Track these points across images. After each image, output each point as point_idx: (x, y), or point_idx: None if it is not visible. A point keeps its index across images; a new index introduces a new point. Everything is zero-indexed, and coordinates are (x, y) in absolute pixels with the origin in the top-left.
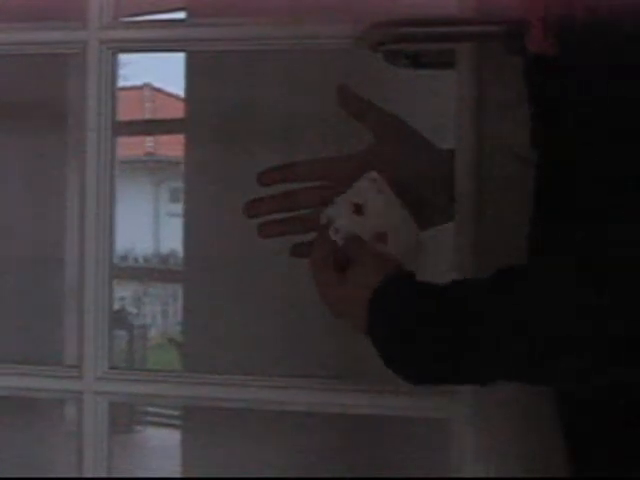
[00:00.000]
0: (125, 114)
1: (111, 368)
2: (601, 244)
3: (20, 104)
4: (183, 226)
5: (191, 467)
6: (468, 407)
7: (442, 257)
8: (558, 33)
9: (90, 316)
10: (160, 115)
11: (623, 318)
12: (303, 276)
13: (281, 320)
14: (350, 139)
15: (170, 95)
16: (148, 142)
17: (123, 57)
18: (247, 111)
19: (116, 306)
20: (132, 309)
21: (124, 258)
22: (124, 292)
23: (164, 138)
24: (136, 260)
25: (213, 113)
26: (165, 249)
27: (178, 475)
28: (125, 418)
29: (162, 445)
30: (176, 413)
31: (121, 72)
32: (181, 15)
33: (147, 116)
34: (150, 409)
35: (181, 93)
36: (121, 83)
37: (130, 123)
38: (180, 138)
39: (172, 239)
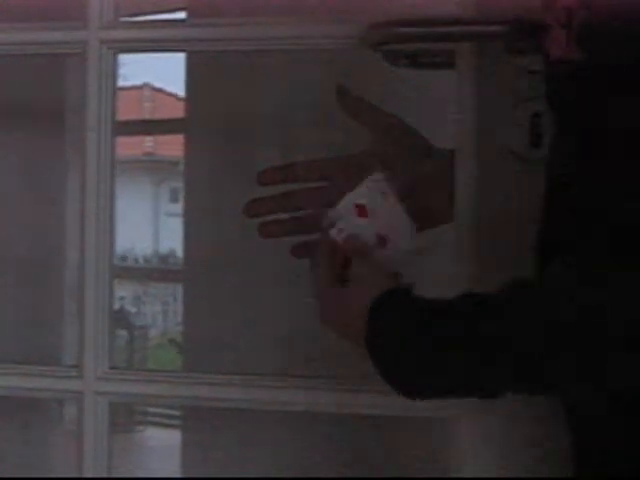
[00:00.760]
0: (124, 114)
1: (111, 368)
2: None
3: (18, 104)
4: (183, 226)
5: (191, 467)
6: (468, 407)
7: (442, 257)
8: (579, 37)
9: (90, 316)
10: (159, 115)
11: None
12: (303, 276)
13: (281, 320)
14: (350, 139)
15: (170, 95)
16: (147, 142)
17: (122, 57)
18: (247, 111)
19: (115, 306)
20: (132, 309)
21: (124, 258)
22: (124, 292)
23: (163, 138)
24: (136, 260)
25: (213, 113)
26: (164, 249)
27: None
28: (124, 418)
29: (161, 445)
30: (176, 413)
31: (120, 72)
32: (182, 15)
33: (146, 116)
34: (149, 409)
35: (181, 93)
36: (120, 83)
37: (129, 123)
38: (180, 138)
39: (171, 239)
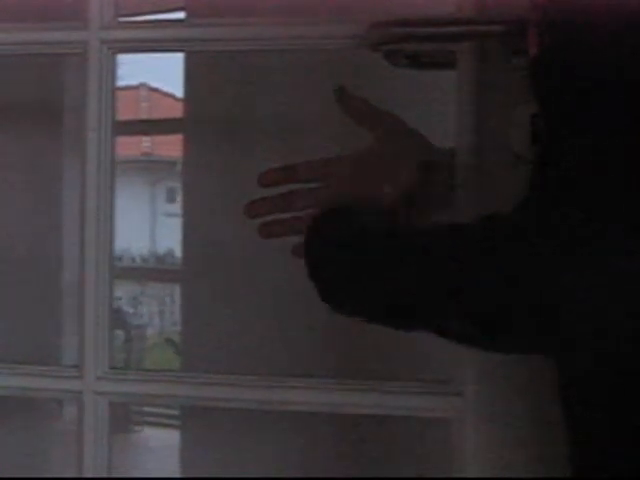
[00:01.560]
0: (121, 114)
1: (111, 368)
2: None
3: (16, 103)
4: (182, 226)
5: (190, 467)
6: (468, 407)
7: None
8: (547, 35)
9: (90, 316)
10: (156, 115)
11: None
12: (302, 276)
13: (280, 320)
14: (350, 140)
15: (166, 95)
16: (145, 142)
17: (119, 57)
18: (246, 111)
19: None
20: (129, 309)
21: (120, 258)
22: (121, 292)
23: (161, 138)
24: (133, 260)
25: (211, 113)
26: (162, 249)
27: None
28: (122, 418)
29: (161, 445)
30: (174, 413)
31: (117, 72)
32: (181, 15)
33: (143, 116)
34: (147, 409)
35: (177, 93)
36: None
37: (127, 123)
38: (177, 138)
39: (169, 239)
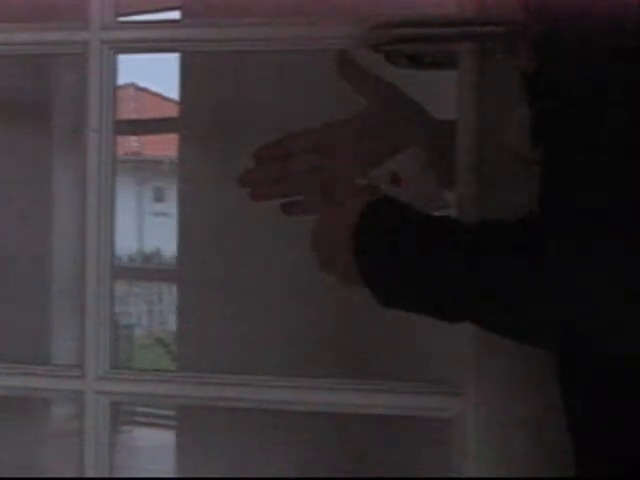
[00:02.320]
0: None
1: (112, 368)
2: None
3: (13, 103)
4: (177, 225)
5: (191, 467)
6: (468, 407)
7: None
8: (536, 49)
9: (91, 315)
10: (144, 115)
11: None
12: (299, 275)
13: (276, 319)
14: None
15: (155, 95)
16: (133, 142)
17: None
18: (239, 110)
19: None
20: (119, 308)
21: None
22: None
23: (148, 137)
24: (132, 260)
25: (202, 112)
26: (150, 248)
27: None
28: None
29: (161, 445)
30: (176, 413)
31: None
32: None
33: (132, 116)
34: (141, 409)
35: (165, 92)
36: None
37: (121, 122)
38: (165, 137)
39: (158, 238)
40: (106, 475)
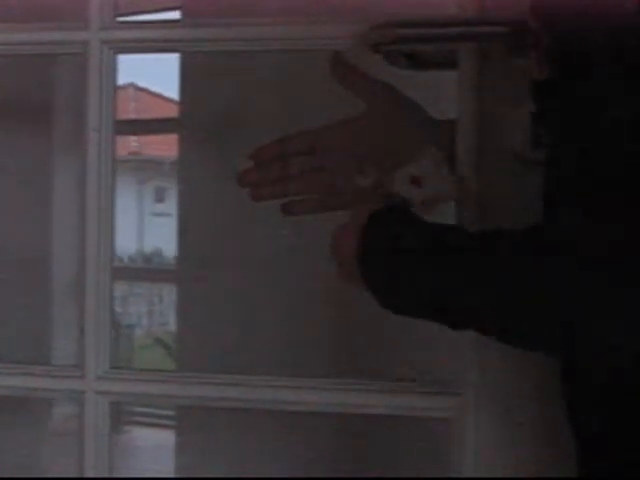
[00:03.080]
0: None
1: (112, 368)
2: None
3: (13, 103)
4: (177, 225)
5: (188, 467)
6: (468, 407)
7: None
8: (550, 58)
9: (91, 315)
10: (144, 115)
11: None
12: (299, 275)
13: (276, 319)
14: None
15: (154, 95)
16: (133, 142)
17: None
18: (239, 110)
19: None
20: (119, 309)
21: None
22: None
23: (149, 137)
24: (132, 260)
25: (202, 112)
26: (150, 248)
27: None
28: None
29: (160, 445)
30: (176, 413)
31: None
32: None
33: (131, 116)
34: (141, 409)
35: (165, 93)
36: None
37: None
38: (165, 138)
39: (158, 238)
40: (106, 475)
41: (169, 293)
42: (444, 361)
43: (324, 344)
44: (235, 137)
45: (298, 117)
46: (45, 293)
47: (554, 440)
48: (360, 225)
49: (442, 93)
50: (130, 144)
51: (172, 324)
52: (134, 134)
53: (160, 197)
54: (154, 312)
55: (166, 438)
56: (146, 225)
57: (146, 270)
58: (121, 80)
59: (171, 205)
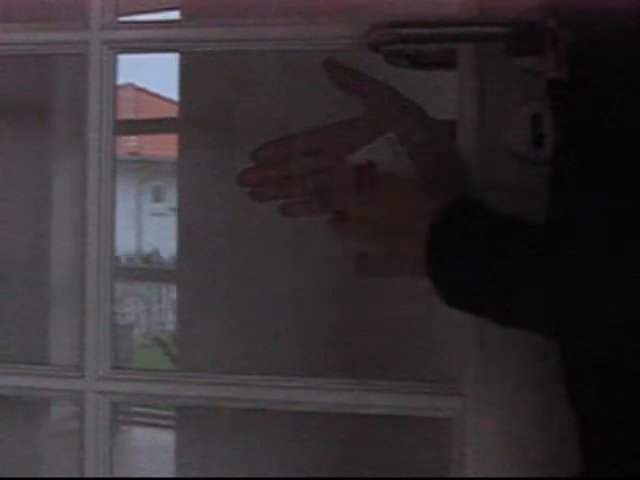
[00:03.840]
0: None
1: (113, 368)
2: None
3: (13, 103)
4: (177, 225)
5: (188, 467)
6: (468, 407)
7: None
8: (566, 58)
9: (92, 315)
10: (143, 115)
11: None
12: (299, 275)
13: (276, 319)
14: None
15: (153, 95)
16: (131, 142)
17: None
18: (238, 110)
19: None
20: (119, 309)
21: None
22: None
23: (147, 138)
24: (132, 260)
25: (201, 112)
26: (148, 248)
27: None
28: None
29: (160, 445)
30: (169, 413)
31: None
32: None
33: (130, 116)
34: (141, 409)
35: (164, 93)
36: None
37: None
38: (164, 138)
39: (157, 238)
40: (106, 475)
41: (169, 292)
42: (444, 361)
43: (324, 344)
44: (235, 137)
45: (298, 117)
46: (45, 293)
47: (554, 440)
48: (430, 223)
49: (442, 93)
50: (130, 144)
51: (171, 324)
52: (134, 134)
53: (158, 197)
54: (153, 312)
55: (166, 438)
56: (145, 225)
57: (146, 270)
58: (120, 80)
59: (170, 205)
